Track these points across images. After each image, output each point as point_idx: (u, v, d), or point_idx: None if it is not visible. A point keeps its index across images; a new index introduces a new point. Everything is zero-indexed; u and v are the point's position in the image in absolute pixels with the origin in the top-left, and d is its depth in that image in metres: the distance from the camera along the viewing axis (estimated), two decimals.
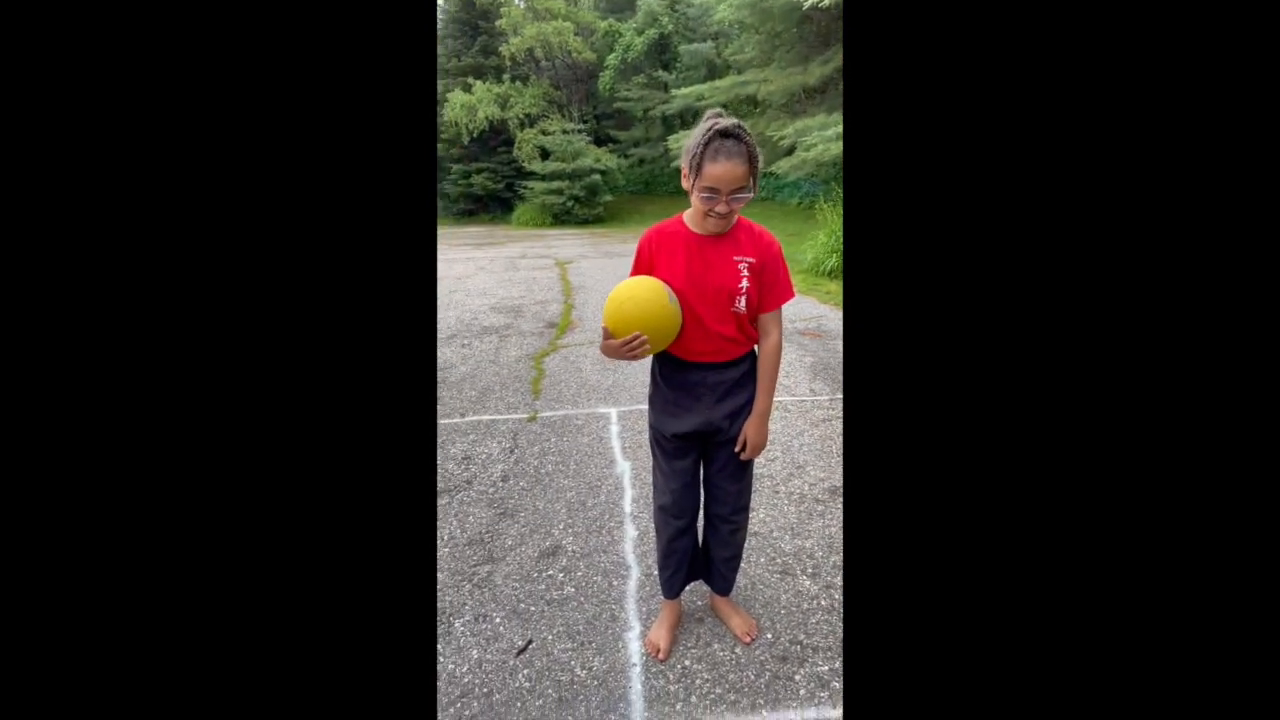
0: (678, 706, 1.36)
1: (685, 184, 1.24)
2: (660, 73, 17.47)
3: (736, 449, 1.39)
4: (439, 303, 6.06)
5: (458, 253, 10.59)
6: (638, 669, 1.47)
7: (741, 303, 1.29)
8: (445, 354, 4.22)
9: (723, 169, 1.15)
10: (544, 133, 17.08)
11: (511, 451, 2.67)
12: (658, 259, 1.33)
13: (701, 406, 1.36)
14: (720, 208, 1.20)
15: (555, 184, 16.24)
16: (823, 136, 9.18)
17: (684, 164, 1.24)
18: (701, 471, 1.49)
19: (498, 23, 17.46)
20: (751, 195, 1.21)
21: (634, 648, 1.53)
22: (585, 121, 18.33)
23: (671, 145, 13.86)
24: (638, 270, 1.35)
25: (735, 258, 1.28)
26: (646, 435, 2.71)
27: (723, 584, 1.57)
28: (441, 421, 3.03)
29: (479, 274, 7.95)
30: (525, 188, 16.87)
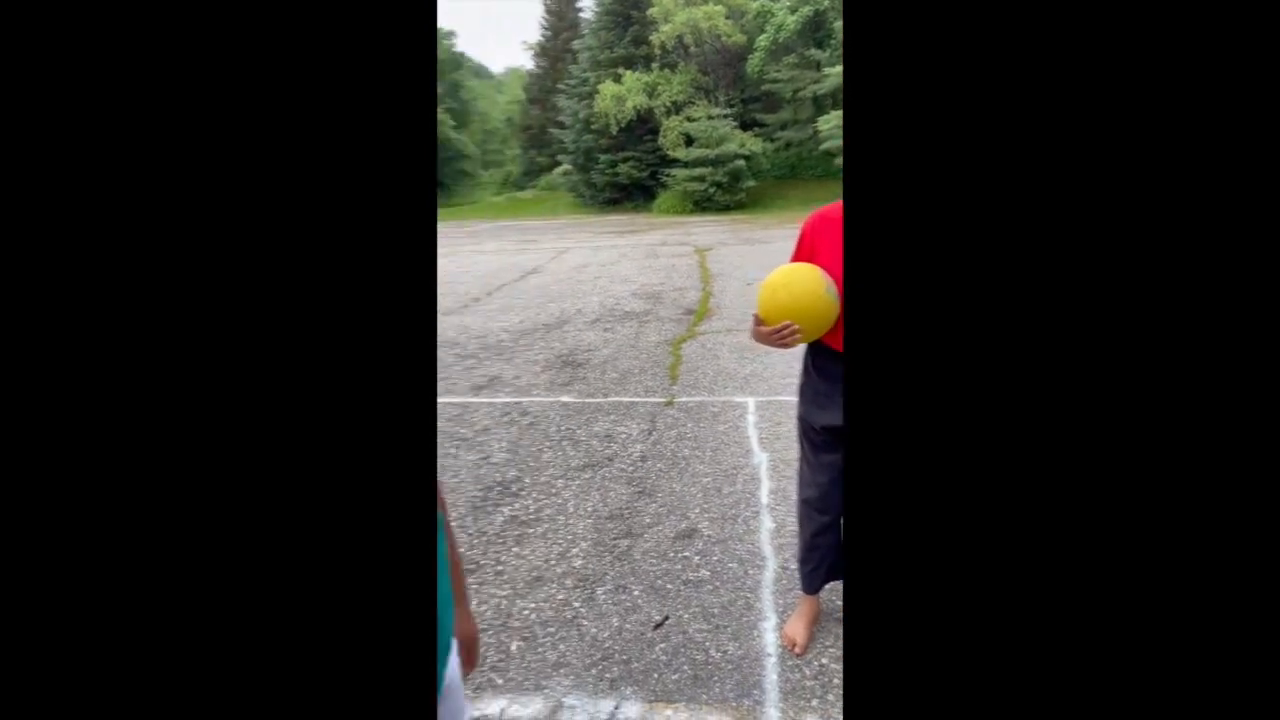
0: (813, 703, 1.34)
1: None
2: (813, 51, 16.70)
3: None
4: (585, 288, 6.36)
5: (602, 240, 11.00)
6: (773, 660, 1.46)
7: None
8: (589, 337, 4.43)
9: None
10: (689, 119, 17.12)
11: (650, 433, 2.75)
12: (819, 245, 1.29)
13: (837, 390, 1.32)
14: None
15: (698, 170, 16.25)
16: None
17: None
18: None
19: (649, 11, 17.72)
20: None
21: (769, 638, 1.53)
22: (732, 105, 18.08)
23: (821, 127, 13.25)
24: (798, 256, 1.32)
25: None
26: (784, 427, 2.66)
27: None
28: (585, 400, 3.19)
29: (621, 261, 8.21)
30: (668, 175, 17.07)
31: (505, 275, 7.45)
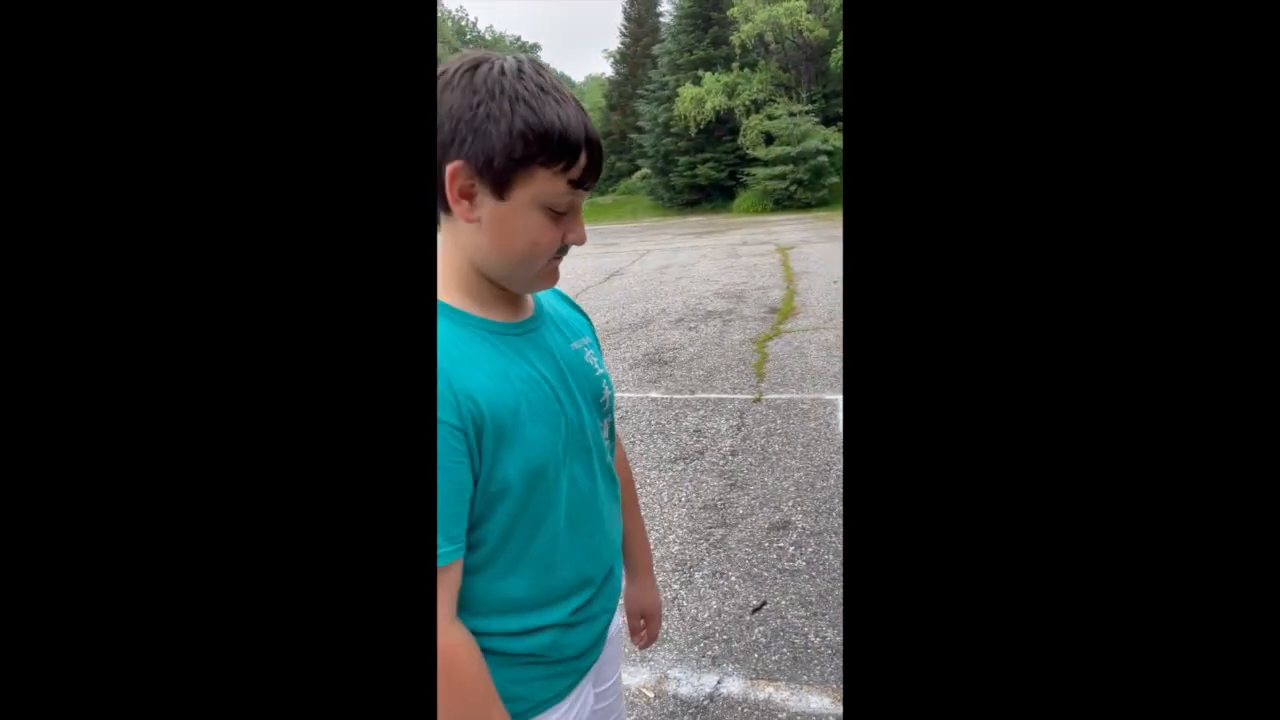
0: None
1: None
2: None
3: None
4: (667, 289, 6.45)
5: (681, 241, 11.08)
6: None
7: None
8: (673, 336, 4.51)
9: None
10: (770, 117, 16.90)
11: (739, 429, 2.79)
12: None
13: None
14: None
15: (778, 169, 16.02)
16: None
17: None
18: None
19: (729, 11, 17.65)
20: None
21: None
22: (814, 101, 17.68)
23: None
24: None
25: None
26: None
27: None
28: (673, 396, 3.27)
29: (701, 261, 8.25)
30: (748, 174, 16.93)
31: (589, 278, 7.68)
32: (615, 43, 30.98)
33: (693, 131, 17.94)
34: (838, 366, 3.52)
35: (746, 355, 3.91)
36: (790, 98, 17.55)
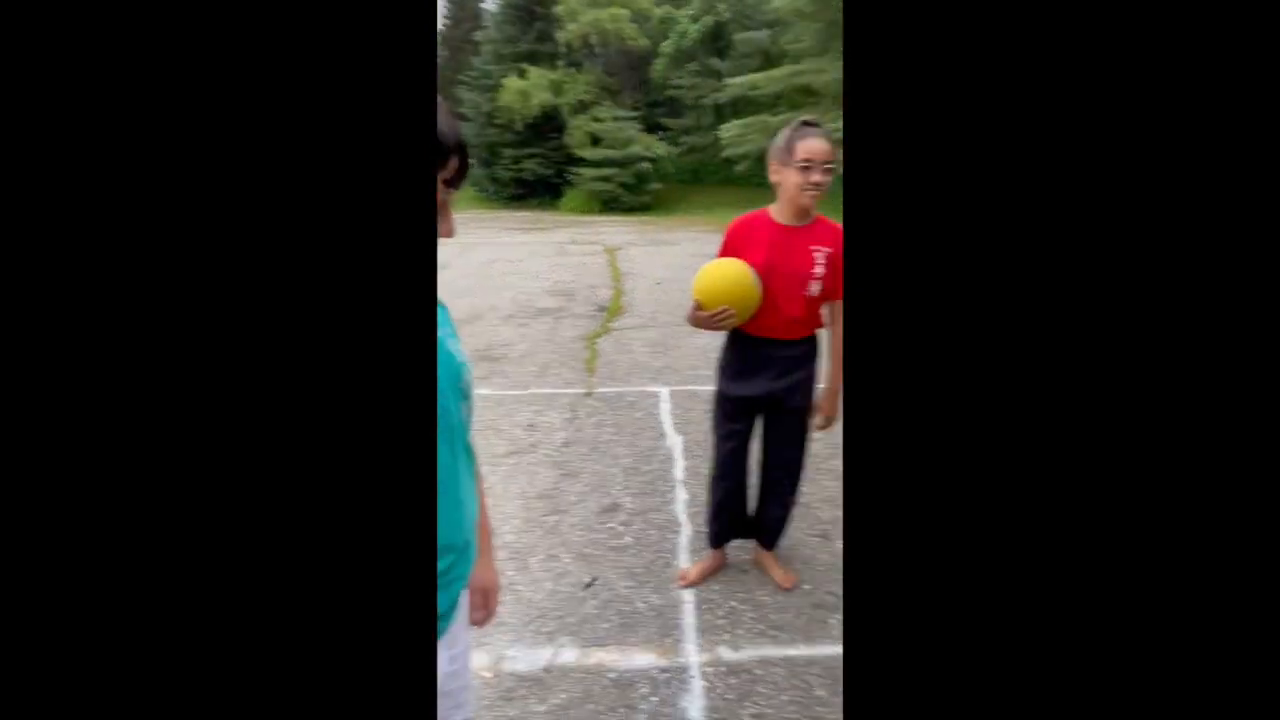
0: (725, 637, 1.58)
1: (774, 177, 1.49)
2: (714, 60, 17.43)
3: (815, 421, 1.62)
4: (496, 284, 6.37)
5: (508, 236, 10.93)
6: (690, 605, 1.69)
7: (815, 287, 1.51)
8: (504, 332, 4.50)
9: (815, 144, 1.41)
10: (595, 119, 17.29)
11: (571, 421, 2.91)
12: (743, 245, 1.54)
13: (765, 377, 1.58)
14: (816, 176, 1.42)
15: (604, 170, 16.47)
16: None
17: (772, 159, 1.47)
18: (765, 441, 1.71)
19: (555, 9, 17.71)
20: (834, 173, 1.43)
21: (687, 591, 1.75)
22: (637, 109, 18.46)
23: (722, 135, 13.90)
24: (725, 253, 1.56)
25: (812, 247, 1.50)
26: (695, 414, 2.92)
27: (770, 539, 1.78)
28: (506, 393, 3.30)
29: (530, 258, 8.25)
30: (574, 174, 17.15)
31: None
32: (437, 23, 29.28)
33: (519, 125, 17.71)
34: (660, 361, 3.81)
35: (577, 351, 4.05)
36: (615, 102, 18.11)
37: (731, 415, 1.67)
